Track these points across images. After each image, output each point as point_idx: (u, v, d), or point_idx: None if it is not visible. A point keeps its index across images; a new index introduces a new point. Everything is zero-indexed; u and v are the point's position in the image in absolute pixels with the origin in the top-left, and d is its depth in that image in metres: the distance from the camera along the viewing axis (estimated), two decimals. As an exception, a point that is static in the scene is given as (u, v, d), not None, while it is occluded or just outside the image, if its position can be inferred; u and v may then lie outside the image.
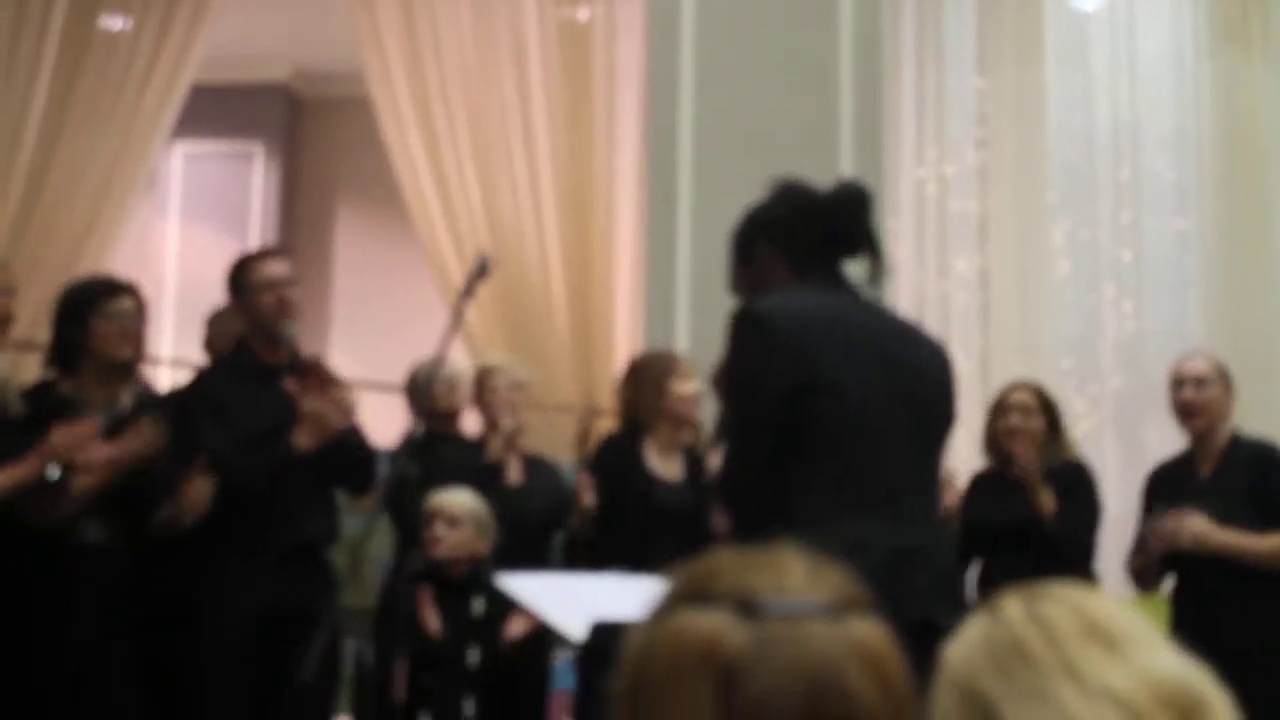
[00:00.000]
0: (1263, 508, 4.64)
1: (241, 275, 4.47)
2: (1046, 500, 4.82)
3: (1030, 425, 4.97)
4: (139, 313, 4.32)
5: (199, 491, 4.15)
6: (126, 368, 4.31)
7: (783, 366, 2.82)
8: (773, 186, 3.09)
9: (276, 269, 4.47)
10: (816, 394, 2.81)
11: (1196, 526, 4.63)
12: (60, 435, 3.97)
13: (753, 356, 2.87)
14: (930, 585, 2.79)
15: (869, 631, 1.10)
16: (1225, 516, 4.64)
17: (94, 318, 4.24)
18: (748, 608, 1.08)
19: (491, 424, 5.16)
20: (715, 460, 4.14)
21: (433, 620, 4.66)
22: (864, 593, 1.14)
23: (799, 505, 2.82)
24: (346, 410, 4.34)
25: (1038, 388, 5.11)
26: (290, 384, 4.31)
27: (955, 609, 2.54)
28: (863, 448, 2.84)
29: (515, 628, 4.69)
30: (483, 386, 5.24)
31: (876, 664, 1.08)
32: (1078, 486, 4.94)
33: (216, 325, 5.29)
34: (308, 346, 4.52)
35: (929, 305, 6.67)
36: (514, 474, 5.11)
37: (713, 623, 1.07)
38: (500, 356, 5.53)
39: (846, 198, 3.01)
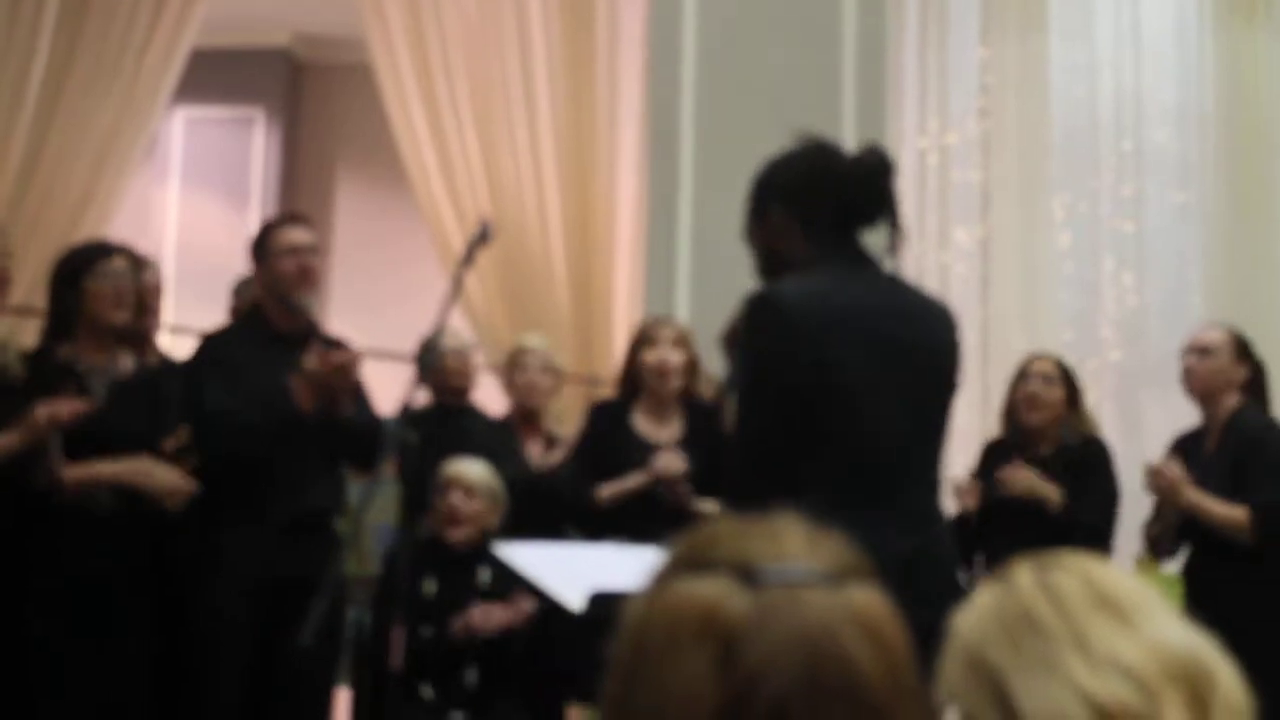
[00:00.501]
0: (1239, 481, 4.67)
1: (264, 240, 4.44)
2: (1051, 493, 4.82)
3: (1050, 393, 4.98)
4: (133, 273, 4.29)
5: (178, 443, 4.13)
6: (124, 332, 4.29)
7: (796, 358, 2.79)
8: (795, 142, 3.04)
9: (299, 236, 4.44)
10: (827, 389, 2.79)
11: (1173, 474, 4.67)
12: (42, 411, 3.97)
13: (768, 345, 2.84)
14: (929, 591, 2.76)
15: (868, 599, 1.10)
16: (1218, 492, 4.68)
17: (87, 280, 4.22)
18: (747, 575, 1.08)
19: (521, 409, 5.18)
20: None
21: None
22: (863, 560, 1.14)
23: (805, 501, 2.81)
24: (348, 373, 4.31)
25: (1059, 359, 5.12)
26: (310, 357, 4.27)
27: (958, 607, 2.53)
28: (871, 445, 2.83)
29: (496, 617, 4.65)
30: (514, 366, 5.24)
31: (876, 631, 1.08)
32: (1094, 467, 4.93)
33: (243, 293, 5.27)
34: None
35: (929, 275, 6.66)
36: (536, 455, 5.11)
37: (712, 590, 1.07)
38: (535, 338, 5.50)
39: (867, 168, 2.95)
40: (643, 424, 4.82)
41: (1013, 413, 5.05)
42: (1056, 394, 4.98)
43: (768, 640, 1.04)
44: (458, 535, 4.70)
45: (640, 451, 4.75)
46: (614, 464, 4.75)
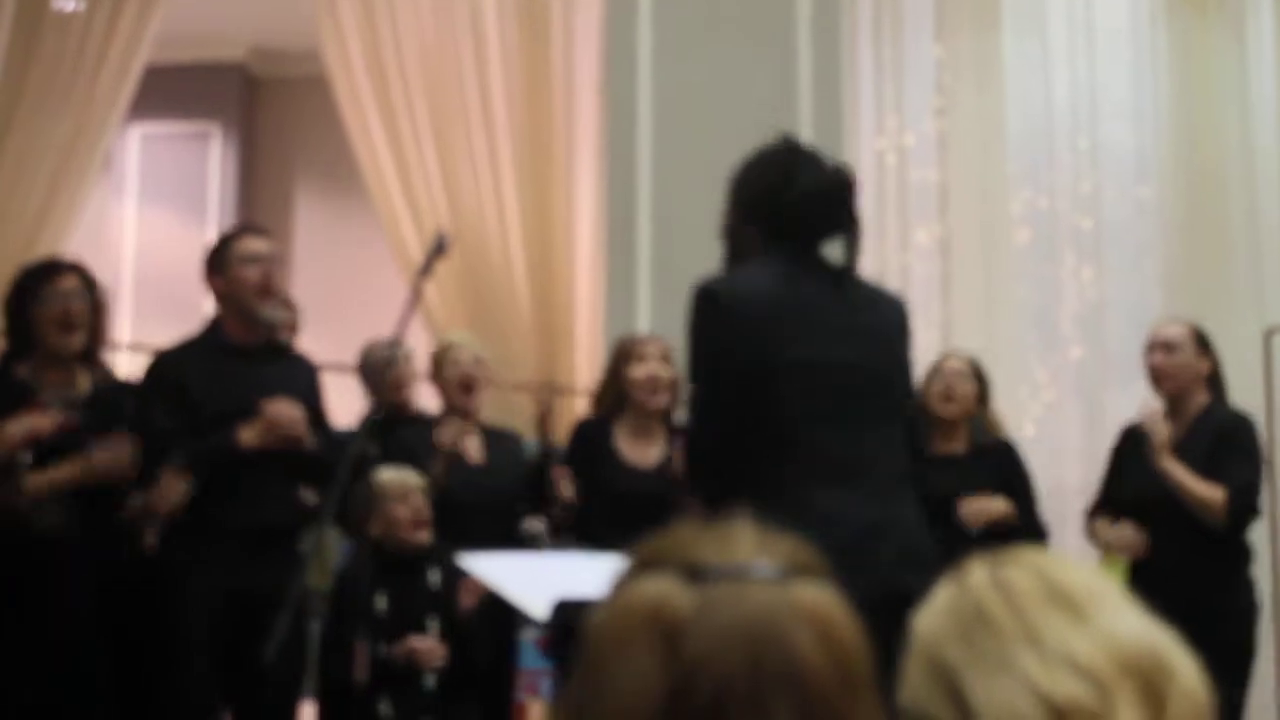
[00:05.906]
0: (1213, 466, 4.69)
1: (223, 250, 4.33)
2: (1007, 510, 4.83)
3: (963, 388, 4.99)
4: (82, 293, 4.20)
5: (172, 488, 4.08)
6: (81, 353, 4.22)
7: (739, 344, 2.85)
8: (765, 145, 3.07)
9: (260, 245, 4.35)
10: (775, 371, 2.84)
11: (1164, 433, 4.69)
12: (16, 426, 3.93)
13: (710, 334, 2.91)
14: (898, 557, 2.80)
15: (815, 595, 1.11)
16: None
17: (34, 303, 4.15)
18: (693, 572, 1.10)
19: (449, 406, 5.07)
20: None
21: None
22: (815, 560, 1.15)
23: (765, 482, 2.85)
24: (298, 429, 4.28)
25: (971, 357, 5.15)
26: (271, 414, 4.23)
27: (926, 578, 2.54)
28: (824, 423, 2.87)
29: (467, 598, 4.64)
30: (441, 363, 5.12)
31: (822, 625, 1.09)
32: (1016, 475, 4.97)
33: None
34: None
35: (890, 276, 6.67)
36: (473, 452, 5.01)
37: (658, 587, 1.10)
38: (459, 333, 5.46)
39: (827, 188, 3.00)
40: (625, 445, 4.77)
41: (924, 407, 5.04)
42: (968, 388, 5.01)
43: (710, 631, 1.07)
44: (424, 537, 4.65)
45: (619, 472, 4.73)
46: (595, 484, 4.73)
